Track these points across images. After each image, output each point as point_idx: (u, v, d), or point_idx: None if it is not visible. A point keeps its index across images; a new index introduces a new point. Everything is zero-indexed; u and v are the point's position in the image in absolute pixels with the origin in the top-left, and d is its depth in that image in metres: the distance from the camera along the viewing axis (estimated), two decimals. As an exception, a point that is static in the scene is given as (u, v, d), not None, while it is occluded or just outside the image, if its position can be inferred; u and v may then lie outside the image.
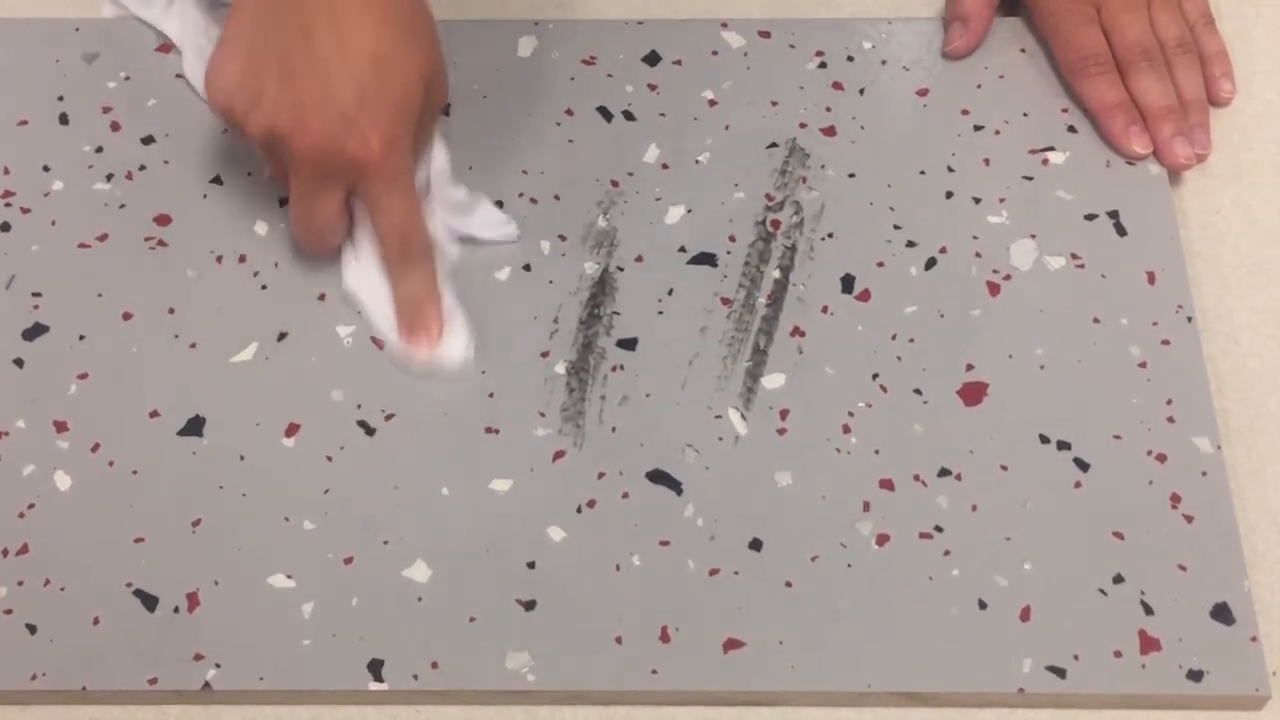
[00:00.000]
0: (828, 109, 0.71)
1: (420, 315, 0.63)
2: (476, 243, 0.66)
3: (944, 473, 0.61)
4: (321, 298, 0.66)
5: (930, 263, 0.67)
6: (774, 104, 0.72)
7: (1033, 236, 0.67)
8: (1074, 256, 0.67)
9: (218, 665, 0.57)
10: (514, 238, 0.67)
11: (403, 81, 0.60)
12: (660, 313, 0.65)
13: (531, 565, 0.59)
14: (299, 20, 0.58)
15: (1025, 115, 0.71)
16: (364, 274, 0.64)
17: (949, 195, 0.69)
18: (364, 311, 0.64)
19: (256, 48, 0.59)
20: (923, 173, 0.69)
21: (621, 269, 0.66)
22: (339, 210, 0.62)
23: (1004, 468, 0.61)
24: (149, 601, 0.58)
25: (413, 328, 0.63)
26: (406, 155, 0.61)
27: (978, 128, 0.71)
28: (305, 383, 0.63)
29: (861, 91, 0.72)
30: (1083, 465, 0.61)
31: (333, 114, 0.59)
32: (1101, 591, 0.58)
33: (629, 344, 0.64)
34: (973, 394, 0.63)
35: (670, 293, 0.66)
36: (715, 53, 0.73)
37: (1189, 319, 0.65)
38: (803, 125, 0.71)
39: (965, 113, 0.71)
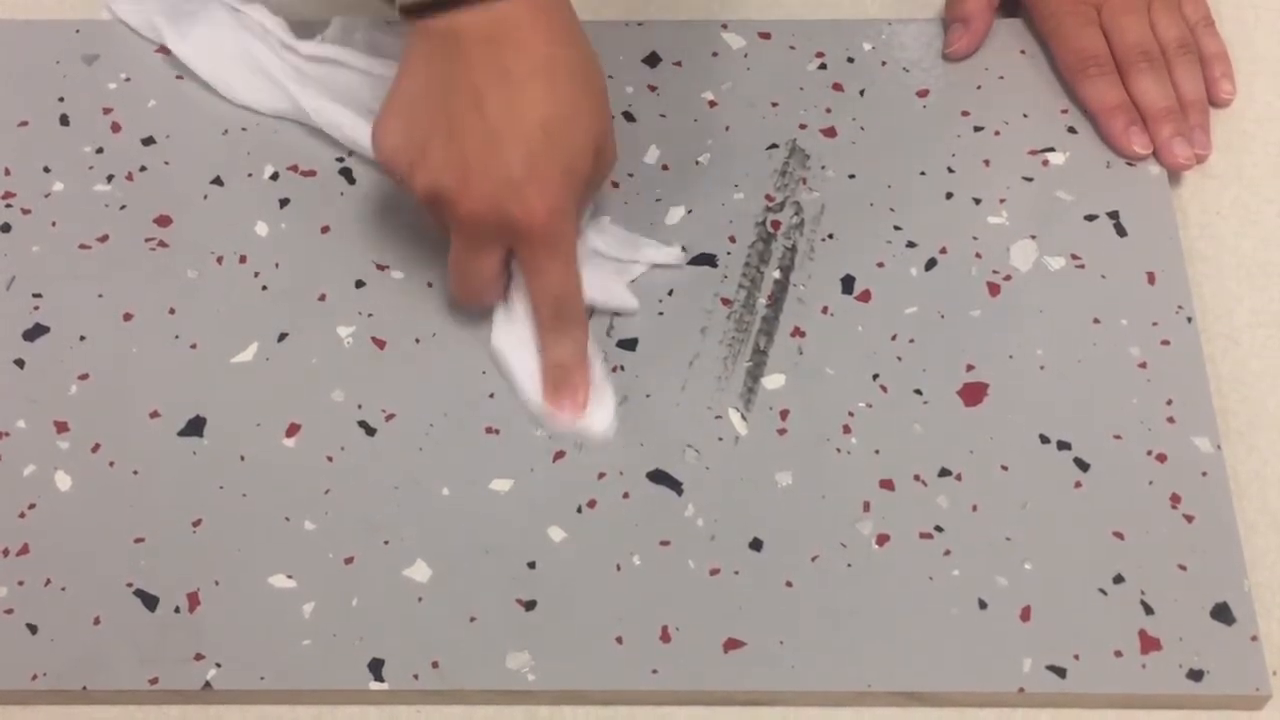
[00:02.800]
0: (828, 110, 0.72)
1: (568, 381, 0.62)
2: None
3: (944, 473, 0.61)
4: (322, 298, 0.66)
5: (930, 263, 0.67)
6: (774, 105, 0.72)
7: (1033, 237, 0.67)
8: (1074, 257, 0.67)
9: (218, 665, 0.57)
10: (682, 260, 0.67)
11: (572, 148, 0.59)
12: (660, 313, 0.65)
13: (532, 565, 0.59)
14: (469, 80, 0.57)
15: (1025, 116, 0.71)
16: (514, 336, 0.63)
17: (949, 196, 0.69)
18: (508, 373, 0.63)
19: (424, 105, 0.58)
20: (923, 173, 0.69)
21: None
22: (498, 270, 0.61)
23: (1004, 468, 0.61)
24: (150, 601, 0.58)
25: (558, 393, 0.62)
26: (570, 222, 0.60)
27: (978, 129, 0.71)
28: (306, 383, 0.63)
29: (862, 93, 0.72)
30: (1083, 465, 0.61)
31: (498, 178, 0.57)
32: (1102, 591, 0.58)
33: (629, 344, 0.64)
34: (973, 394, 0.63)
35: (670, 293, 0.66)
36: (715, 54, 0.74)
37: (1189, 319, 0.65)
38: (803, 126, 0.71)
39: (965, 114, 0.71)
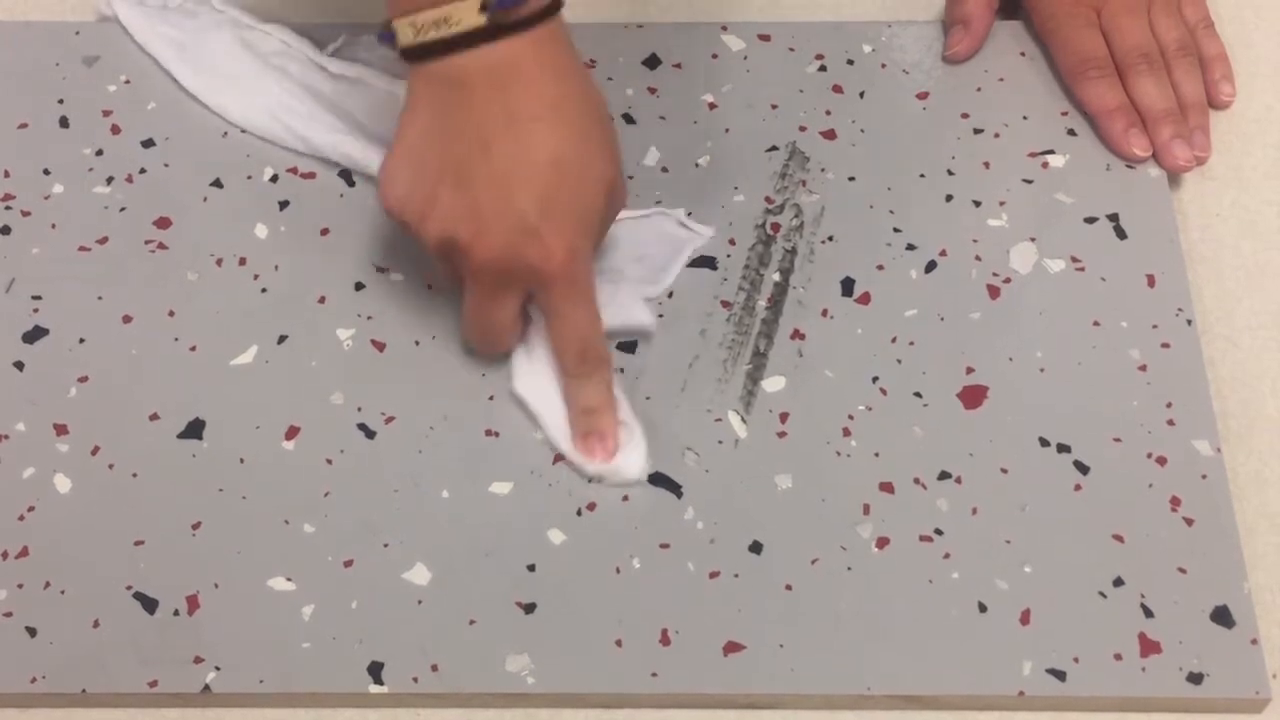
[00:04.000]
0: (828, 112, 0.71)
1: (596, 424, 0.61)
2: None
3: (944, 476, 0.61)
4: (321, 300, 0.66)
5: (930, 266, 0.67)
6: (774, 107, 0.72)
7: (1032, 239, 0.67)
8: (1074, 259, 0.67)
9: (217, 668, 0.57)
10: (710, 234, 0.67)
11: (585, 187, 0.58)
12: (660, 315, 0.65)
13: (531, 568, 0.59)
14: (476, 125, 0.56)
15: (1025, 118, 0.71)
16: (537, 379, 0.62)
17: (949, 198, 0.69)
18: (536, 417, 0.62)
19: (431, 153, 0.57)
20: (923, 176, 0.69)
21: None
22: (515, 316, 0.60)
23: (1004, 470, 0.61)
24: (149, 604, 0.58)
25: (588, 437, 0.61)
26: (588, 263, 0.59)
27: (978, 131, 0.71)
28: (305, 386, 0.63)
29: (861, 95, 0.72)
30: (1083, 468, 0.61)
31: (513, 223, 0.56)
32: (1101, 594, 0.58)
33: (629, 346, 0.64)
34: (973, 397, 0.63)
35: (670, 295, 0.66)
36: (715, 56, 0.73)
37: (1189, 322, 0.65)
38: (803, 128, 0.71)
39: (965, 116, 0.71)
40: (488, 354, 0.63)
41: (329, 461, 0.61)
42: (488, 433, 0.62)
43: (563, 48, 0.57)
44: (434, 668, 0.57)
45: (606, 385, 0.61)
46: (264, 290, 0.66)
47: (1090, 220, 0.68)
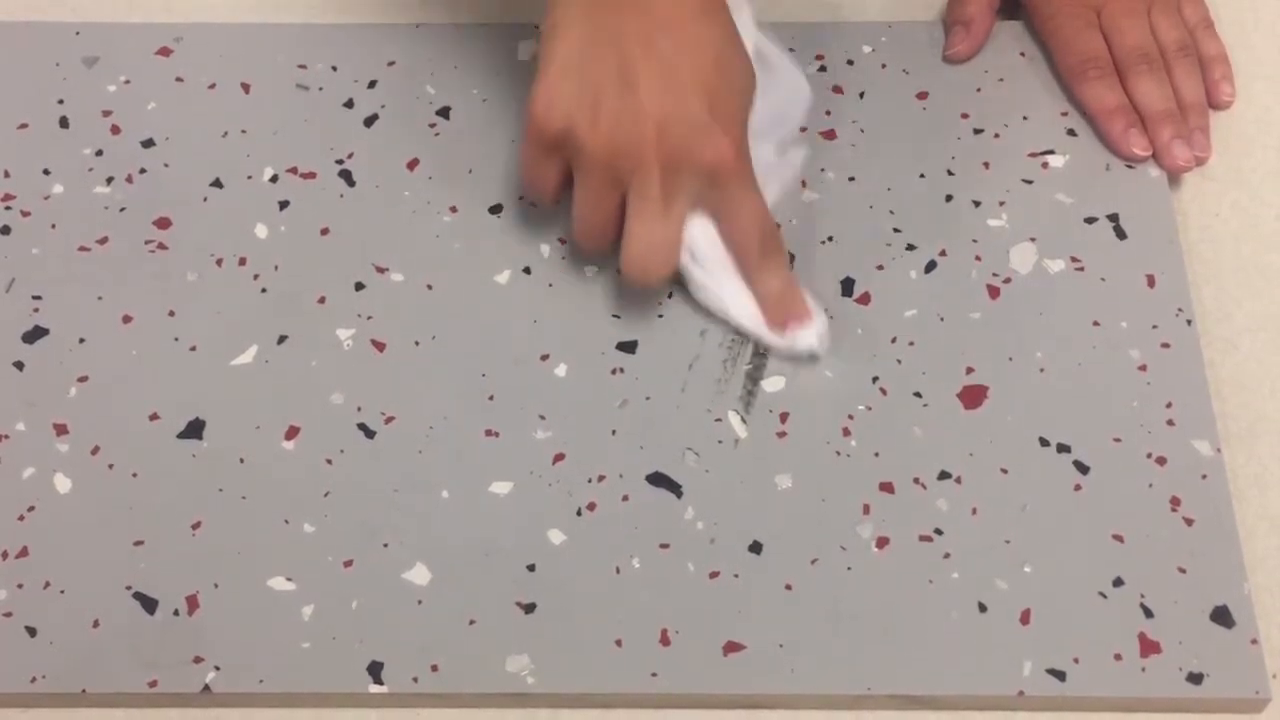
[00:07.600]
0: (827, 112, 0.71)
1: (791, 306, 0.63)
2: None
3: (944, 475, 0.61)
4: (321, 300, 0.66)
5: (930, 266, 0.67)
6: (774, 107, 0.72)
7: (1032, 240, 0.67)
8: (1074, 260, 0.67)
9: (217, 668, 0.57)
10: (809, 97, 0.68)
11: (742, 83, 0.61)
12: (660, 315, 0.65)
13: (531, 568, 0.59)
14: (634, 32, 0.59)
15: (1025, 119, 0.71)
16: (714, 278, 0.63)
17: (949, 198, 0.69)
18: (728, 314, 0.64)
19: (590, 64, 0.59)
20: (923, 176, 0.69)
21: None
22: (684, 219, 0.61)
23: (1004, 470, 0.61)
24: (149, 604, 0.58)
25: (787, 320, 0.63)
26: (749, 154, 0.62)
27: (978, 131, 0.71)
28: (305, 385, 0.63)
29: (861, 95, 0.72)
30: (1082, 468, 0.61)
31: (685, 121, 0.59)
32: (1101, 594, 0.58)
33: (629, 346, 0.64)
34: (972, 397, 0.63)
35: (670, 295, 0.66)
36: (715, 56, 0.73)
37: (1189, 322, 0.65)
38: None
39: (965, 116, 0.71)
40: (652, 276, 0.62)
41: (329, 461, 0.61)
42: (488, 433, 0.62)
43: None
44: (434, 668, 0.57)
45: (786, 268, 0.64)
46: (264, 290, 0.66)
47: (1090, 220, 0.68)
